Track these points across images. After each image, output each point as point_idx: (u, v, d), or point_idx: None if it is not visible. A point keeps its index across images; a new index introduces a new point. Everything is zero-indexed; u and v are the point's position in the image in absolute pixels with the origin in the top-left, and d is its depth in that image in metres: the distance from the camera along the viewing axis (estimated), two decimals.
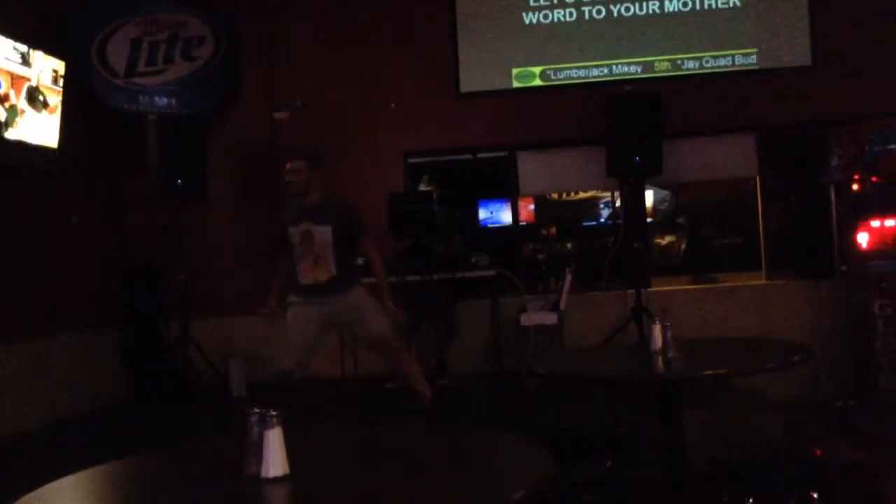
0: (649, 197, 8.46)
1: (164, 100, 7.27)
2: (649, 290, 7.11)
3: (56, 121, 6.23)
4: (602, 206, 9.34)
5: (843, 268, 6.59)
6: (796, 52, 7.16)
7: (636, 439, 4.36)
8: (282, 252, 5.27)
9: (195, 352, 6.98)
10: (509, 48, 7.43)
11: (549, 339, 6.63)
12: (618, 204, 7.87)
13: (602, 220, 9.34)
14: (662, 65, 7.29)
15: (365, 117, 7.51)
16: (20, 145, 5.88)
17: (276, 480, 2.02)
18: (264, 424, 2.05)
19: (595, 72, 7.36)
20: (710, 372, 3.64)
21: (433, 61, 7.49)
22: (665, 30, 7.31)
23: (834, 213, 6.64)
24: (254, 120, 7.56)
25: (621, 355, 4.62)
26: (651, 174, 7.03)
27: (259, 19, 7.63)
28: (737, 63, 7.22)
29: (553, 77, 7.39)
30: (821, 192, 6.79)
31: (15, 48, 5.77)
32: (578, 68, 7.37)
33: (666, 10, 7.32)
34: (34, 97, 5.99)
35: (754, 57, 7.21)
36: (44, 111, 6.11)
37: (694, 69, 7.26)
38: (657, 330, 3.47)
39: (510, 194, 7.79)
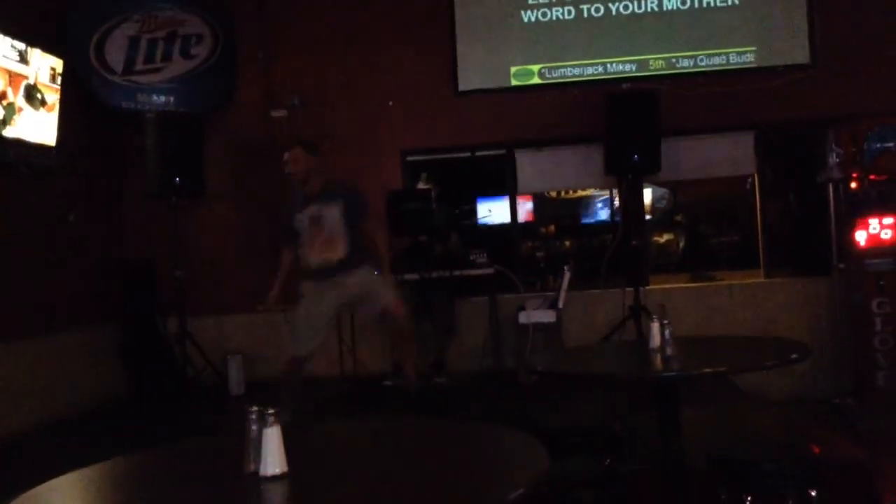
0: (647, 195, 8.46)
1: (163, 98, 7.26)
2: (648, 287, 7.10)
3: (54, 119, 6.22)
4: (600, 203, 9.34)
5: (841, 265, 6.59)
6: (795, 49, 7.15)
7: (635, 437, 4.36)
8: (285, 249, 5.32)
9: (194, 350, 6.98)
10: (508, 46, 7.42)
11: (548, 337, 6.62)
12: (616, 202, 7.87)
13: (600, 217, 9.34)
14: (660, 63, 7.28)
15: (363, 115, 7.51)
16: (18, 143, 5.87)
17: (274, 478, 2.03)
18: (263, 422, 2.05)
19: (594, 70, 7.36)
20: (708, 370, 3.64)
21: (431, 59, 7.48)
22: (664, 28, 7.31)
23: (832, 211, 6.64)
24: (252, 118, 7.55)
25: (620, 353, 4.62)
26: (649, 172, 7.03)
27: (257, 18, 7.62)
28: (735, 61, 7.21)
29: (551, 75, 7.39)
30: (819, 190, 6.78)
31: (13, 46, 5.77)
32: (577, 66, 7.37)
33: (664, 8, 7.31)
34: (32, 95, 5.99)
35: (753, 55, 7.21)
36: (42, 109, 6.10)
37: (692, 67, 7.25)
38: (655, 328, 3.48)
39: (508, 192, 7.79)
